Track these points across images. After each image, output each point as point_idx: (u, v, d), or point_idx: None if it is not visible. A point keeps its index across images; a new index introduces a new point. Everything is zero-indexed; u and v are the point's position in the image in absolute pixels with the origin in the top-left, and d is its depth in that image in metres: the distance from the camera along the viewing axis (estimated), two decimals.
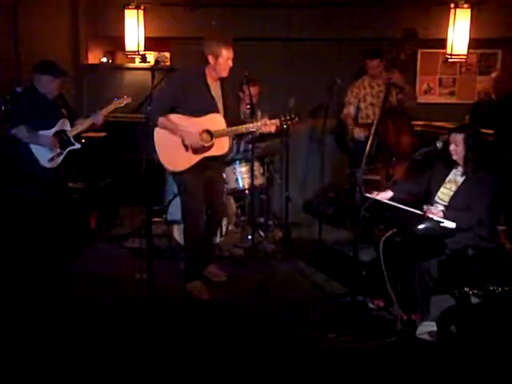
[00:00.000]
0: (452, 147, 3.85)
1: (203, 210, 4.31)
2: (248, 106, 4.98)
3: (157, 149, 4.12)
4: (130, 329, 3.71)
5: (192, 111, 4.09)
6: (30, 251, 4.55)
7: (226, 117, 4.20)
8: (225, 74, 4.14)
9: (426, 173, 4.16)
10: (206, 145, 4.08)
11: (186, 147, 4.09)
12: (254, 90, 5.39)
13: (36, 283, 4.33)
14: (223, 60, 4.05)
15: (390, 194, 4.03)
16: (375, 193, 4.00)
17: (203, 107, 4.09)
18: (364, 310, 4.05)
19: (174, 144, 4.08)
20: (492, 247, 3.80)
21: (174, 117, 4.10)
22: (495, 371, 3.15)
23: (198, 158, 4.14)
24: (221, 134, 4.11)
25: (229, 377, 3.24)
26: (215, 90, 4.20)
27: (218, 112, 4.17)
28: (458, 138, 3.82)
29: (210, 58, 4.06)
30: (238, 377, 3.24)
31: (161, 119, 4.04)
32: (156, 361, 3.36)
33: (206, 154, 4.15)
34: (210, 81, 4.16)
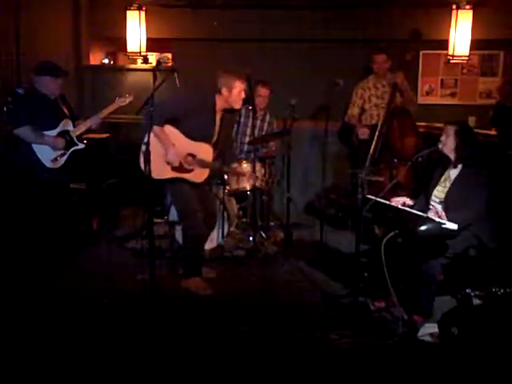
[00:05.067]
0: (443, 137, 3.94)
1: (197, 211, 4.34)
2: (261, 107, 5.51)
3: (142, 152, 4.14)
4: (132, 329, 3.70)
5: (188, 131, 4.18)
6: (31, 251, 4.55)
7: (216, 143, 4.31)
8: (238, 105, 4.24)
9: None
10: (186, 167, 4.20)
11: (167, 161, 4.17)
12: (264, 92, 5.43)
13: (37, 284, 4.32)
14: (237, 92, 4.15)
15: (410, 201, 4.03)
16: (396, 199, 3.99)
17: (200, 132, 4.18)
18: (365, 311, 4.05)
19: (158, 153, 4.09)
20: (494, 248, 3.79)
21: (168, 129, 4.17)
22: (497, 373, 3.14)
23: (173, 175, 4.22)
24: (203, 165, 4.23)
25: (230, 377, 3.23)
26: (218, 118, 4.28)
27: (211, 139, 4.27)
28: (450, 129, 3.91)
29: (224, 91, 4.15)
30: (239, 377, 3.24)
31: (156, 128, 4.07)
32: (157, 361, 3.36)
33: (183, 176, 4.24)
34: (217, 109, 4.24)
